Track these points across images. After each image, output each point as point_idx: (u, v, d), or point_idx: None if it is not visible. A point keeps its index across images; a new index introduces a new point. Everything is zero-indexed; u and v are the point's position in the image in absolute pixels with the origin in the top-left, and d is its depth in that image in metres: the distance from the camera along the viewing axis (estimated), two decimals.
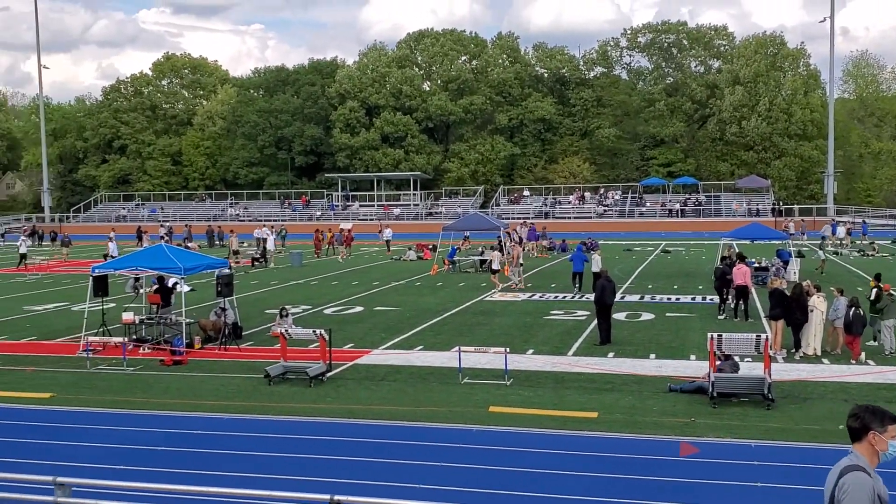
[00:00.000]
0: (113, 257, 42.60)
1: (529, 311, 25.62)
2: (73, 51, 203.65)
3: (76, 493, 6.04)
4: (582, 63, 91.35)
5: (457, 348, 17.62)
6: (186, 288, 23.21)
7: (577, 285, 30.10)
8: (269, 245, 46.04)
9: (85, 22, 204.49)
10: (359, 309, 26.82)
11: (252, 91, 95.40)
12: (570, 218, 74.11)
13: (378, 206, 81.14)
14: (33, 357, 19.73)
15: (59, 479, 5.91)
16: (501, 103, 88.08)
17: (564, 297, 28.98)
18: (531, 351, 19.38)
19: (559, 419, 13.80)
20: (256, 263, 43.18)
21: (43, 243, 65.96)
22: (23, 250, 43.81)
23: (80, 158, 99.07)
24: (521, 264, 32.76)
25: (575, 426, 13.42)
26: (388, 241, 52.73)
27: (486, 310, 26.21)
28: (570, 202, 78.02)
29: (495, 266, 31.78)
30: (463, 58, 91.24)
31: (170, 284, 22.82)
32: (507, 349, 17.00)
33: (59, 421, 14.26)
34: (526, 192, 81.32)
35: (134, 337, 20.88)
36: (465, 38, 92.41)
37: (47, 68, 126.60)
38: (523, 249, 48.39)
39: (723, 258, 26.77)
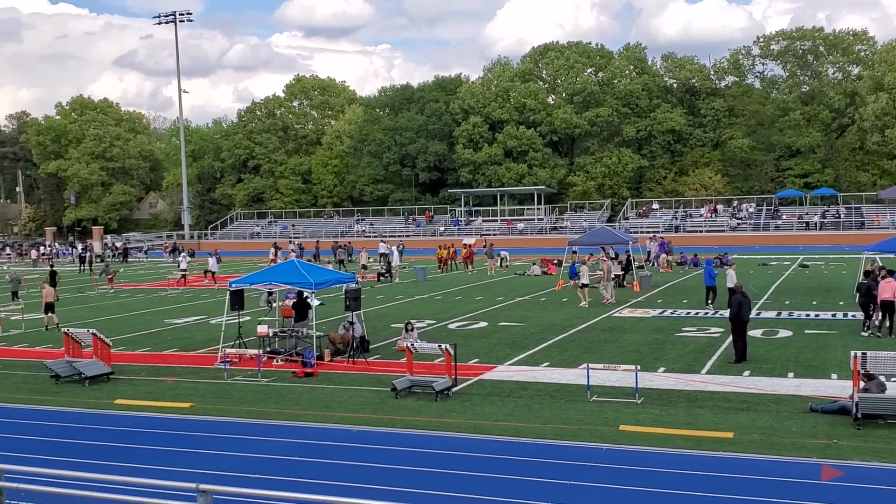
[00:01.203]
0: (213, 273, 44.38)
1: (660, 328, 24.99)
2: (210, 75, 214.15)
3: (217, 501, 6.20)
4: (712, 72, 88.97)
5: (584, 365, 17.34)
6: (316, 302, 23.81)
7: (709, 301, 29.22)
8: (394, 260, 46.67)
9: (222, 47, 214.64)
10: (483, 324, 26.81)
11: (378, 110, 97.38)
12: (701, 231, 72.05)
13: (501, 220, 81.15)
14: (174, 368, 20.64)
15: (202, 486, 6.09)
16: (628, 115, 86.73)
17: (697, 313, 28.16)
18: (662, 369, 18.87)
19: (693, 439, 13.37)
20: (382, 278, 43.91)
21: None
22: (183, 266, 45.45)
23: (218, 178, 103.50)
24: (612, 279, 32.75)
25: (710, 446, 12.97)
26: (502, 259, 52.19)
27: (614, 326, 25.73)
28: (701, 215, 75.86)
29: (584, 280, 31.81)
30: (588, 70, 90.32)
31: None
32: (638, 367, 16.63)
33: (199, 430, 14.82)
34: (655, 206, 79.59)
35: (268, 349, 21.54)
36: (590, 50, 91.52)
37: (187, 92, 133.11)
38: (653, 264, 47.70)
39: (867, 272, 25.33)
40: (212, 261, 46.74)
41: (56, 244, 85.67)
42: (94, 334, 19.57)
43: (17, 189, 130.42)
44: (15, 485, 6.74)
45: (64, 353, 20.12)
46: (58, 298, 31.23)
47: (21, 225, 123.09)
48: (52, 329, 27.53)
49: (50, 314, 28.42)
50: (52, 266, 45.82)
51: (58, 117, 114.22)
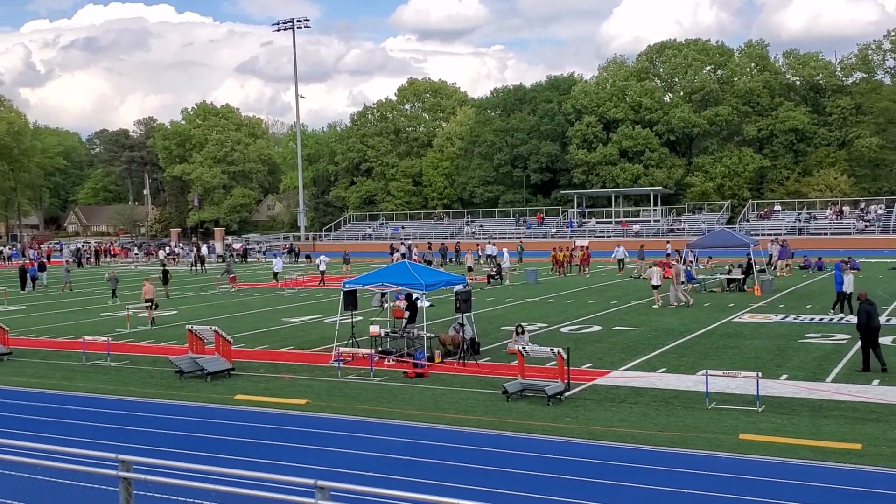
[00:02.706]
0: (276, 273, 45.29)
1: (782, 334, 24.04)
2: (327, 80, 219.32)
3: (334, 497, 6.26)
4: (839, 69, 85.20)
5: (703, 372, 16.82)
6: (427, 303, 23.95)
7: (835, 307, 27.97)
8: (505, 262, 46.42)
9: (339, 52, 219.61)
10: (596, 328, 26.41)
11: (489, 111, 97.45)
12: (826, 234, 69.09)
13: (616, 222, 79.85)
14: (291, 365, 21.15)
15: (320, 482, 6.15)
16: (749, 113, 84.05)
17: (821, 318, 26.99)
18: (785, 376, 18.14)
19: (817, 450, 12.79)
20: (492, 280, 43.81)
21: (299, 260, 70.83)
22: (322, 268, 46.10)
23: (332, 181, 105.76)
24: (683, 282, 32.53)
25: (835, 458, 12.38)
26: (620, 261, 50.88)
27: (734, 332, 24.91)
28: (826, 217, 72.77)
29: (655, 282, 32.03)
30: (707, 68, 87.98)
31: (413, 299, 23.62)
32: (759, 374, 16.02)
33: (315, 426, 15.11)
34: (777, 207, 76.77)
35: (379, 349, 21.81)
36: (709, 47, 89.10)
37: (304, 98, 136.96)
38: (774, 268, 45.98)
39: None
40: (276, 261, 47.73)
41: (180, 245, 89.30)
42: (216, 331, 20.25)
43: (145, 191, 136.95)
44: (143, 476, 6.99)
45: (187, 349, 20.90)
46: (167, 296, 32.53)
47: (148, 226, 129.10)
48: (148, 324, 29.17)
49: (150, 309, 29.83)
50: (164, 265, 47.99)
51: (183, 123, 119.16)
